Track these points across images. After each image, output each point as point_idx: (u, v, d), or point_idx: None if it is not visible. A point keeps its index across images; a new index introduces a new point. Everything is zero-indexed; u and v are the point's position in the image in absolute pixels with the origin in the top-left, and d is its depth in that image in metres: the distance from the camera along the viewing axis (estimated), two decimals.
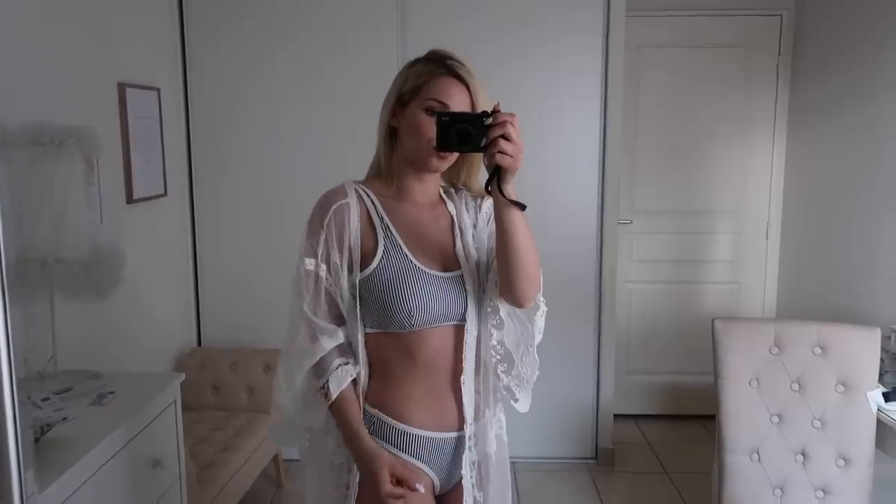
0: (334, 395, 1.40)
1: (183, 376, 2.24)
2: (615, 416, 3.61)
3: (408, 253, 1.44)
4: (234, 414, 3.07)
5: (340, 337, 1.44)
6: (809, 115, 3.67)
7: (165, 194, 3.13)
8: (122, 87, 2.73)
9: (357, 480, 1.42)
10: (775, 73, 3.84)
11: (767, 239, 3.98)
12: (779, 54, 3.83)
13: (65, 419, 1.70)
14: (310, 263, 1.44)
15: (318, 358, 1.41)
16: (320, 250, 1.43)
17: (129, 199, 2.79)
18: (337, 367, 1.42)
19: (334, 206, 1.44)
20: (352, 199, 1.45)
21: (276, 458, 3.22)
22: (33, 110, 2.10)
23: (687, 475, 3.42)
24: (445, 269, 1.46)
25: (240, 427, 2.94)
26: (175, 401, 2.16)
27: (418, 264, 1.43)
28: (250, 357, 3.21)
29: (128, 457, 1.85)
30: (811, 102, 3.65)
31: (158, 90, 3.06)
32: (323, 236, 1.43)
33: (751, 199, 3.96)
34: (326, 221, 1.43)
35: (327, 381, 1.41)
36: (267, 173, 3.39)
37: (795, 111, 3.81)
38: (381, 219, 1.46)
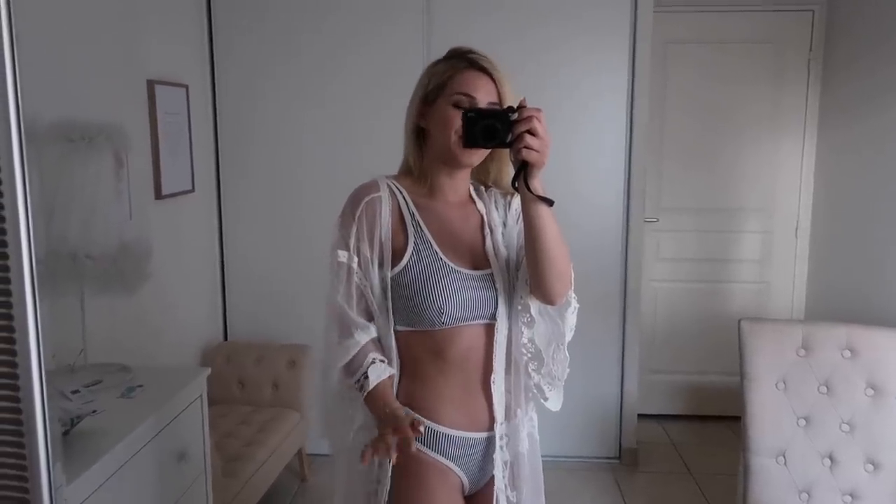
0: (372, 384, 1.39)
1: (209, 370, 2.26)
2: (639, 415, 3.59)
3: (438, 250, 1.44)
4: (260, 408, 3.10)
5: (373, 332, 1.45)
6: (841, 112, 3.60)
7: (193, 190, 3.17)
8: (151, 84, 2.76)
9: (389, 475, 1.42)
10: (806, 69, 3.78)
11: (797, 238, 3.92)
12: (810, 50, 3.77)
13: (94, 412, 1.73)
14: (342, 256, 1.44)
15: (352, 355, 1.42)
16: (352, 242, 1.44)
17: (158, 195, 2.83)
18: (373, 362, 1.41)
19: (366, 199, 1.45)
20: (384, 194, 1.46)
21: (300, 453, 3.25)
22: (64, 107, 2.13)
23: (711, 476, 3.39)
24: (475, 268, 1.46)
25: (265, 422, 2.97)
26: (201, 395, 2.18)
27: (448, 262, 1.44)
28: (275, 352, 3.24)
29: (155, 449, 1.88)
30: (843, 99, 3.58)
31: (187, 87, 3.09)
32: (354, 229, 1.44)
33: (780, 197, 3.91)
34: (358, 214, 1.44)
35: (364, 373, 1.40)
36: (293, 169, 3.42)
37: (827, 108, 3.75)
38: (412, 215, 1.46)
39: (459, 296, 1.42)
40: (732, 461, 3.28)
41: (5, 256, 0.67)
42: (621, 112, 3.34)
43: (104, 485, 1.64)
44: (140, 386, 2.04)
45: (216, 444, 2.62)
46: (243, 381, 3.20)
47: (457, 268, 1.44)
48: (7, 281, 0.67)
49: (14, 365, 0.70)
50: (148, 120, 2.76)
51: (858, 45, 3.44)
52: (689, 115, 3.86)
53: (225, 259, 3.50)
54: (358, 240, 1.43)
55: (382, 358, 1.43)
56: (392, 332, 1.45)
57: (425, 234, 1.45)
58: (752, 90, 3.82)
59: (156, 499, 1.91)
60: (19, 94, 0.69)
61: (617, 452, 3.53)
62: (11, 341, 0.68)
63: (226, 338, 3.53)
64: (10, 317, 0.68)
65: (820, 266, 3.82)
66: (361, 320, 1.44)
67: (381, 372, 1.41)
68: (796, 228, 3.91)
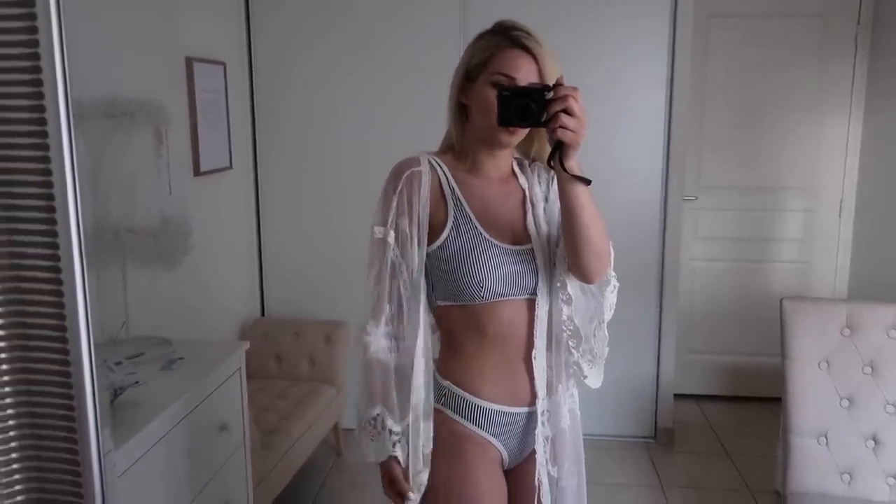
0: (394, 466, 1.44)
1: (248, 344, 2.30)
2: (675, 395, 3.56)
3: (478, 225, 1.43)
4: (296, 383, 3.14)
5: (389, 331, 1.46)
6: (890, 87, 3.49)
7: (231, 167, 3.20)
8: (189, 62, 2.78)
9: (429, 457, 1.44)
10: (854, 43, 3.67)
11: (840, 217, 3.83)
12: (858, 24, 3.65)
13: (137, 383, 1.77)
14: (379, 231, 1.45)
15: (367, 358, 1.45)
16: (390, 218, 1.43)
17: (196, 172, 2.86)
18: (397, 438, 1.43)
19: (406, 174, 1.44)
20: (424, 168, 1.45)
21: (336, 427, 3.29)
22: (106, 84, 2.16)
23: (748, 458, 3.35)
24: (516, 243, 1.45)
25: (301, 396, 3.00)
26: (240, 368, 2.21)
27: (488, 237, 1.43)
28: (312, 328, 3.27)
29: (196, 420, 1.92)
30: (892, 74, 3.47)
31: (224, 64, 3.11)
32: (394, 203, 1.43)
33: (823, 175, 3.81)
34: (399, 189, 1.43)
35: (388, 446, 1.43)
36: (329, 146, 3.43)
37: (875, 84, 3.63)
38: (453, 190, 1.46)
39: (500, 270, 1.41)
40: (770, 443, 3.25)
41: (54, 234, 0.69)
42: (661, 88, 3.27)
43: (147, 453, 1.68)
44: (181, 359, 2.07)
45: (254, 418, 2.66)
46: (280, 357, 3.25)
47: (497, 242, 1.43)
48: (56, 258, 0.69)
49: (64, 333, 0.71)
50: (186, 97, 2.78)
51: None
52: (731, 90, 3.77)
53: (262, 235, 3.53)
54: (398, 214, 1.43)
55: (397, 430, 1.43)
56: (422, 309, 1.44)
57: (465, 210, 1.44)
58: (797, 65, 3.71)
59: (198, 467, 1.95)
60: (67, 74, 0.70)
61: (653, 432, 3.51)
62: (61, 317, 0.70)
63: (263, 314, 3.58)
64: (59, 293, 0.69)
65: (864, 247, 3.72)
66: (386, 307, 1.45)
67: (384, 452, 1.43)
68: (840, 208, 3.82)
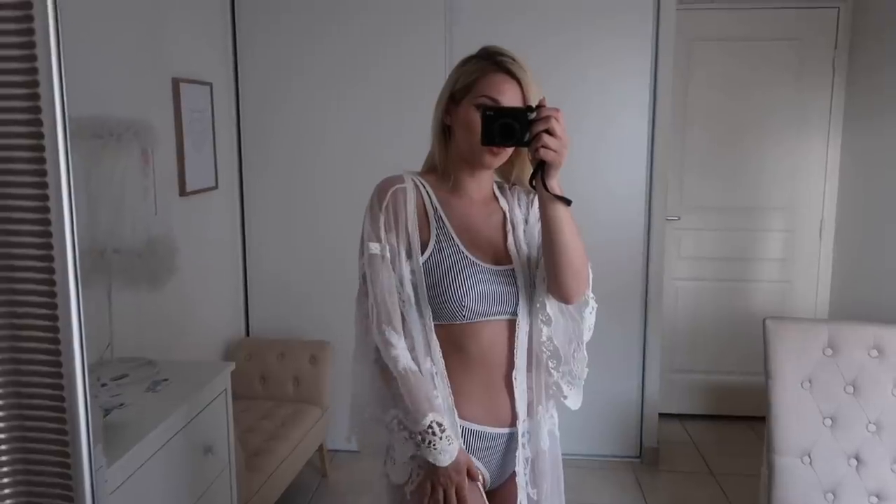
0: (446, 462, 1.37)
1: (233, 365, 2.29)
2: (660, 414, 3.57)
3: (460, 244, 1.45)
4: (281, 404, 3.13)
5: (402, 336, 1.43)
6: (867, 109, 3.56)
7: (216, 187, 3.19)
8: (176, 82, 2.79)
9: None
10: (831, 66, 3.74)
11: (821, 238, 3.88)
12: (835, 48, 3.73)
13: (122, 405, 1.75)
14: (375, 248, 1.44)
15: (392, 355, 1.40)
16: (382, 233, 1.44)
17: (182, 192, 2.85)
18: (442, 430, 1.38)
19: (392, 190, 1.45)
20: (409, 185, 1.47)
21: (321, 448, 3.27)
22: (93, 104, 2.16)
23: (733, 476, 3.37)
24: (497, 263, 1.47)
25: (286, 417, 2.99)
26: (226, 389, 2.20)
27: (470, 256, 1.44)
28: (297, 348, 3.26)
29: (181, 442, 1.90)
30: (870, 97, 3.54)
31: (211, 85, 3.12)
32: (382, 219, 1.44)
33: (804, 195, 3.87)
34: (385, 204, 1.44)
35: (433, 437, 1.37)
36: (315, 167, 3.44)
37: (852, 106, 3.71)
38: (435, 210, 1.47)
39: (481, 290, 1.42)
40: (754, 462, 3.26)
41: (50, 247, 0.69)
42: (644, 109, 3.32)
43: (132, 476, 1.66)
44: (166, 380, 2.06)
45: (238, 439, 2.64)
46: (265, 377, 3.23)
47: (479, 262, 1.45)
48: (52, 271, 0.69)
49: (58, 353, 0.71)
50: (173, 117, 2.78)
51: (885, 43, 3.40)
52: (713, 112, 3.83)
53: (247, 256, 3.53)
54: (386, 230, 1.44)
55: (441, 422, 1.38)
56: (430, 318, 1.43)
57: (448, 229, 1.46)
58: (777, 88, 3.79)
59: (184, 489, 1.94)
60: (65, 93, 0.71)
61: (638, 451, 3.52)
62: (55, 330, 0.70)
63: (248, 334, 3.56)
64: (54, 305, 0.70)
65: (844, 266, 3.78)
66: (399, 317, 1.42)
67: (454, 449, 1.38)
68: (820, 228, 3.88)
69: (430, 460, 1.36)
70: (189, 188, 2.89)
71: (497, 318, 1.45)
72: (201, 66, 3.09)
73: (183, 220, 2.86)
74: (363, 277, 1.45)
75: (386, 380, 1.44)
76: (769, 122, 3.82)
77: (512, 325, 1.47)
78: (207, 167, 3.10)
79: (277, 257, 3.51)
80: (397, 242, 1.44)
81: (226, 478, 2.20)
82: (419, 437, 1.36)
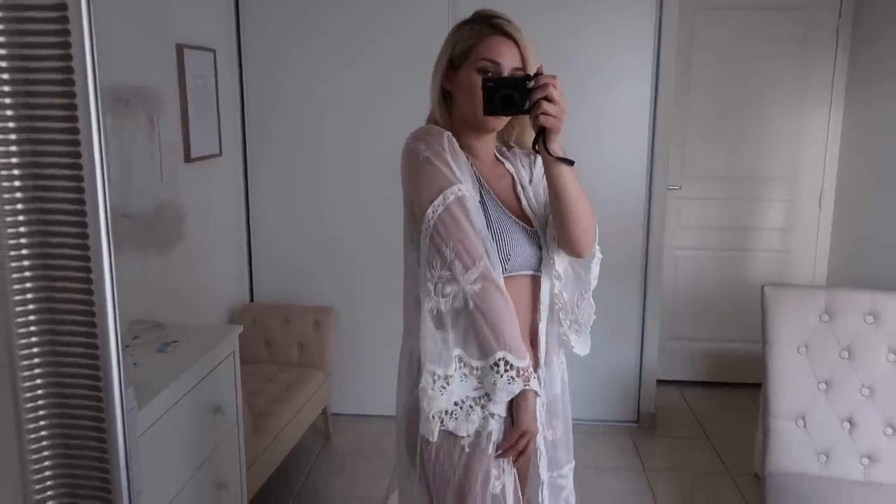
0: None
1: (241, 328, 2.33)
2: (658, 381, 3.63)
3: (497, 199, 1.50)
4: (286, 368, 3.18)
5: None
6: (869, 79, 3.56)
7: (220, 154, 3.21)
8: (180, 49, 2.79)
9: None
10: (835, 35, 3.74)
11: (820, 207, 3.91)
12: (839, 16, 3.72)
13: (135, 364, 1.79)
14: (460, 189, 1.39)
15: (493, 295, 1.36)
16: (458, 174, 1.40)
17: (187, 158, 2.87)
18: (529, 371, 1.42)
19: (445, 135, 1.43)
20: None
21: (324, 412, 3.33)
22: (102, 71, 2.16)
23: (729, 441, 3.44)
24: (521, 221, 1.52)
25: (290, 381, 3.04)
26: (234, 351, 2.25)
27: (507, 211, 1.50)
28: (301, 313, 3.30)
29: (191, 402, 1.95)
30: (871, 67, 3.54)
31: (214, 51, 3.12)
32: (452, 162, 1.40)
33: (805, 165, 3.89)
34: (446, 146, 1.41)
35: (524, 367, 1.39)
36: (317, 134, 3.45)
37: (854, 75, 3.71)
38: (471, 164, 1.50)
39: (520, 244, 1.48)
40: (750, 427, 3.33)
41: (82, 202, 0.73)
42: (647, 79, 3.32)
43: (145, 433, 1.71)
44: (175, 342, 2.10)
45: (245, 401, 2.70)
46: (269, 342, 3.28)
47: (515, 219, 1.50)
48: (85, 236, 0.73)
49: (91, 303, 0.75)
50: (177, 84, 2.79)
51: (889, 12, 3.40)
52: (715, 82, 3.83)
53: (251, 222, 3.55)
54: (459, 170, 1.41)
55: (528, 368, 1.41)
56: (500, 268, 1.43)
57: (485, 183, 1.50)
58: (780, 56, 3.78)
59: (194, 448, 1.99)
60: (96, 61, 0.74)
61: (636, 417, 3.59)
62: (89, 292, 0.74)
63: (252, 299, 3.61)
64: (88, 270, 0.74)
65: (843, 235, 3.81)
66: (485, 256, 1.38)
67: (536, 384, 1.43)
68: (820, 197, 3.90)
69: (534, 388, 1.40)
70: (194, 155, 2.91)
71: (525, 272, 1.50)
72: (205, 32, 3.08)
73: (188, 186, 2.88)
74: (436, 228, 1.37)
75: (490, 318, 1.37)
76: (771, 91, 3.82)
77: (535, 280, 1.52)
78: (211, 134, 3.11)
79: (281, 223, 3.54)
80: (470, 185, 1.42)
81: (234, 438, 2.26)
82: (523, 369, 1.38)
